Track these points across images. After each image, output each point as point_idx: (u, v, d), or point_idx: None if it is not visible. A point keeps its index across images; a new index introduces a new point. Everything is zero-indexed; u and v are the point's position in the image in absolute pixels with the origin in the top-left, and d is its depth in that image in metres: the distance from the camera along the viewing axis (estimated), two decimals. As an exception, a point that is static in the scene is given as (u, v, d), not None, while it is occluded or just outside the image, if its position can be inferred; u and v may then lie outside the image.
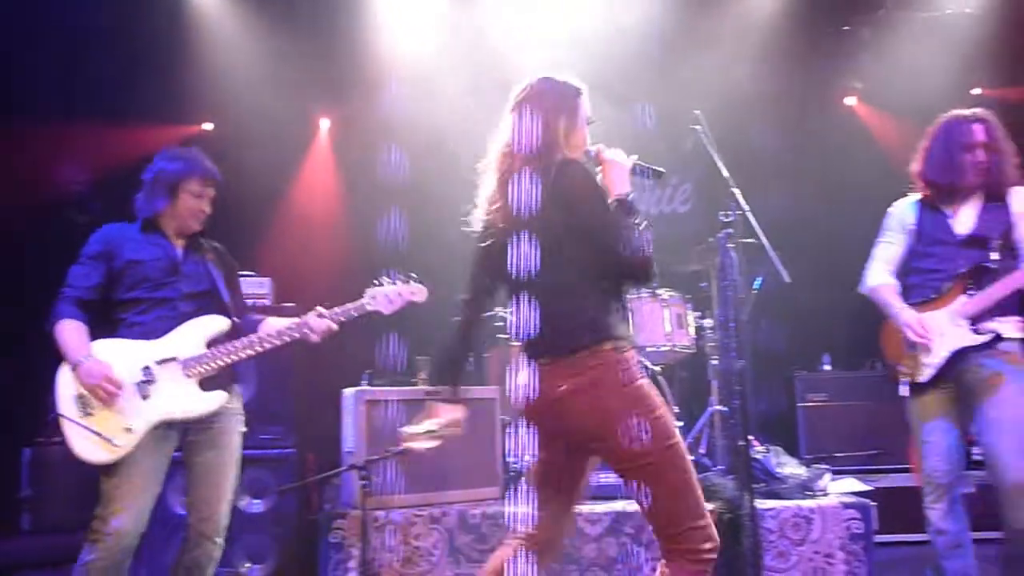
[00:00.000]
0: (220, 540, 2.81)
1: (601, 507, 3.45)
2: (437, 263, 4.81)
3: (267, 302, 4.09)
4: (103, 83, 4.81)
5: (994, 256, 2.94)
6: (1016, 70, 5.12)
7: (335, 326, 2.91)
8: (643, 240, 2.17)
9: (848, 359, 5.06)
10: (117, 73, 4.83)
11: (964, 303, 2.91)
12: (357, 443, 3.52)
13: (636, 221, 2.19)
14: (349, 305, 2.96)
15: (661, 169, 2.42)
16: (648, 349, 4.18)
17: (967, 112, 3.04)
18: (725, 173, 4.04)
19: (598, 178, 2.27)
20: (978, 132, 2.96)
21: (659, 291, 4.27)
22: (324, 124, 5.81)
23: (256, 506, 3.62)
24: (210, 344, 2.82)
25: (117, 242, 2.83)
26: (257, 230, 5.08)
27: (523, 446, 3.92)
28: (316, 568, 3.49)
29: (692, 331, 4.34)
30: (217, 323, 2.86)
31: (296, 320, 2.92)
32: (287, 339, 2.88)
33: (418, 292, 3.04)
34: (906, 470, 4.19)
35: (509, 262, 2.25)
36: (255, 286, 4.01)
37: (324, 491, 3.97)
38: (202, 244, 2.95)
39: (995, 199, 2.99)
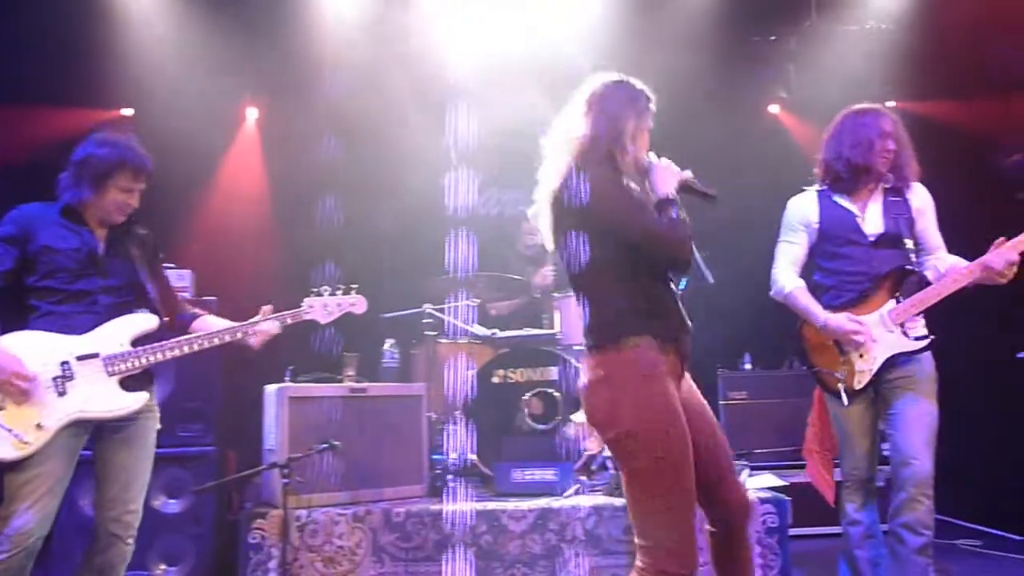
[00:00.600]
0: (132, 541, 2.74)
1: (526, 504, 3.47)
2: (364, 257, 4.80)
3: (187, 295, 3.97)
4: (15, 64, 4.59)
5: (912, 257, 3.01)
6: (926, 85, 5.36)
7: (278, 330, 2.89)
8: (677, 231, 2.24)
9: (767, 358, 5.22)
10: (31, 54, 4.62)
11: (894, 309, 2.94)
12: (279, 441, 3.45)
13: (672, 216, 2.25)
14: (285, 313, 2.92)
15: (713, 192, 2.41)
16: (575, 347, 4.22)
17: (876, 105, 3.09)
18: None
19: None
20: (889, 123, 3.02)
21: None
22: (252, 113, 5.67)
23: (172, 506, 3.51)
24: (136, 342, 2.73)
25: (34, 225, 2.69)
26: (178, 220, 4.92)
27: (454, 444, 3.94)
28: (235, 570, 3.41)
29: (618, 330, 4.40)
30: (145, 321, 2.77)
31: (238, 324, 2.86)
32: (226, 339, 2.82)
33: (358, 303, 3.03)
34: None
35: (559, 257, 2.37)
36: (175, 279, 3.86)
37: (245, 490, 3.88)
38: (126, 235, 2.83)
39: (894, 193, 3.05)
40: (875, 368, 2.95)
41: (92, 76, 4.90)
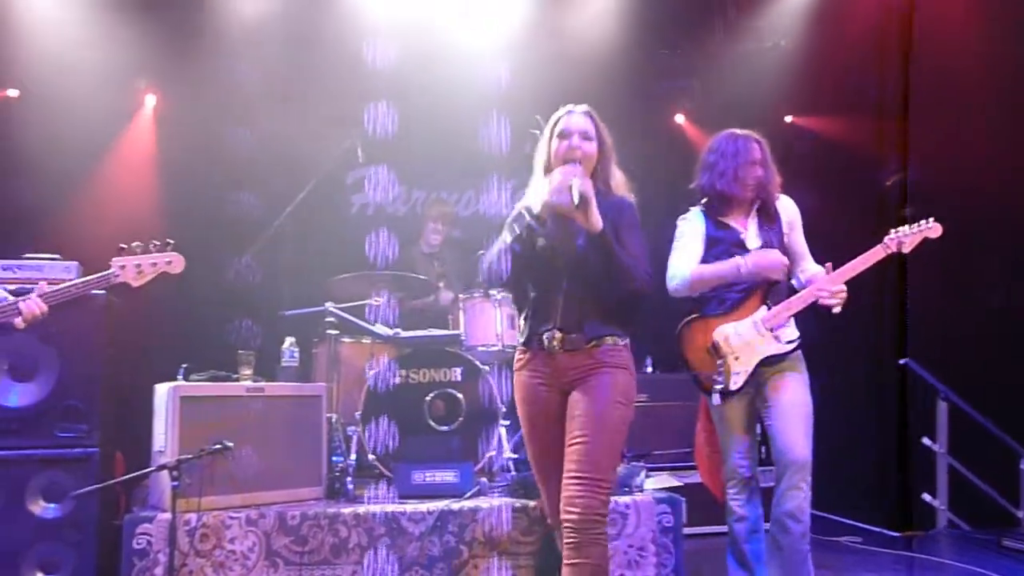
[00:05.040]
0: None
1: (424, 506, 3.44)
2: (264, 254, 4.66)
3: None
4: None
5: None
6: (818, 102, 5.63)
7: (44, 308, 2.60)
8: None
9: (668, 361, 5.34)
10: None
11: (766, 315, 3.14)
12: (169, 442, 3.31)
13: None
14: (91, 277, 2.68)
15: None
16: (479, 348, 4.22)
17: (743, 131, 3.28)
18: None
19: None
20: (757, 150, 3.22)
21: (492, 292, 4.33)
22: (150, 100, 5.44)
23: (51, 511, 3.30)
24: None
25: None
26: (65, 208, 4.67)
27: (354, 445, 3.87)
28: (118, 577, 3.25)
29: (522, 332, 4.43)
30: None
31: (5, 300, 2.60)
32: None
33: (175, 261, 2.80)
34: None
35: None
36: (60, 270, 3.66)
37: (133, 494, 3.71)
38: None
39: (765, 211, 3.25)
40: (750, 369, 3.13)
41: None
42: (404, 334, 4.21)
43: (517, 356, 2.77)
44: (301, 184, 4.67)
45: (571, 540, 2.49)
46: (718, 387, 3.15)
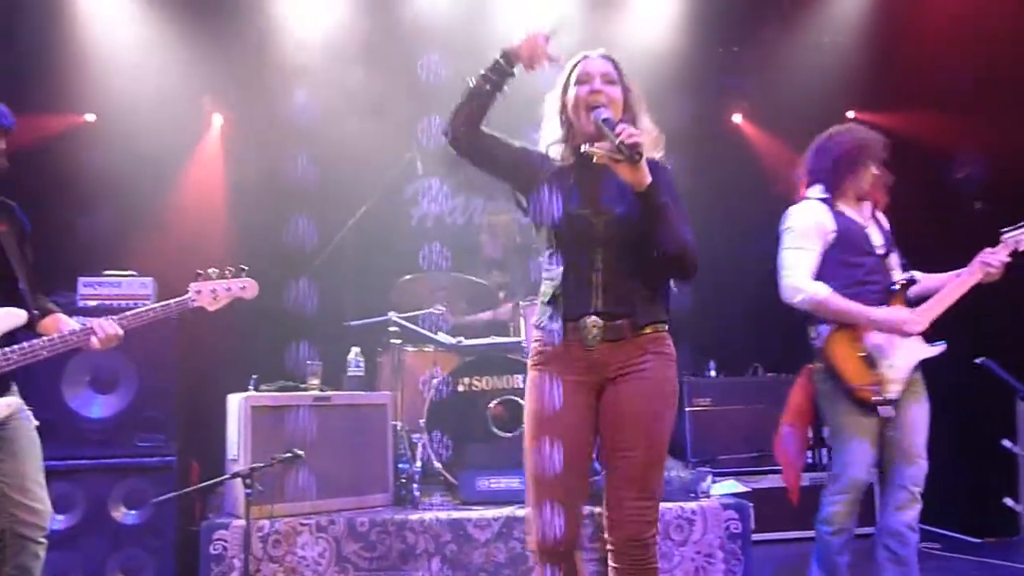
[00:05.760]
0: (44, 539, 2.61)
1: (491, 512, 3.47)
2: (327, 266, 4.77)
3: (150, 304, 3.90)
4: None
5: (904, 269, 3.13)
6: (881, 97, 5.47)
7: (120, 332, 2.65)
8: None
9: (732, 365, 5.27)
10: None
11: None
12: (242, 450, 3.41)
13: None
14: (170, 302, 2.76)
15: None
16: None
17: (857, 126, 3.18)
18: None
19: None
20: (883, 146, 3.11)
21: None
22: (217, 120, 5.62)
23: (132, 517, 3.47)
24: (2, 342, 2.50)
25: None
26: (140, 226, 4.85)
27: (419, 452, 3.92)
28: (196, 581, 3.37)
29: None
30: (13, 318, 2.54)
31: (85, 323, 2.65)
32: (71, 345, 2.61)
33: (248, 287, 2.88)
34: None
35: None
36: (137, 287, 3.82)
37: (208, 501, 3.84)
38: None
39: (873, 210, 3.15)
40: (907, 376, 2.98)
41: (55, 82, 4.83)
42: (466, 342, 4.25)
43: (535, 351, 2.30)
44: (363, 197, 4.76)
45: (618, 567, 2.26)
46: (877, 399, 2.93)
